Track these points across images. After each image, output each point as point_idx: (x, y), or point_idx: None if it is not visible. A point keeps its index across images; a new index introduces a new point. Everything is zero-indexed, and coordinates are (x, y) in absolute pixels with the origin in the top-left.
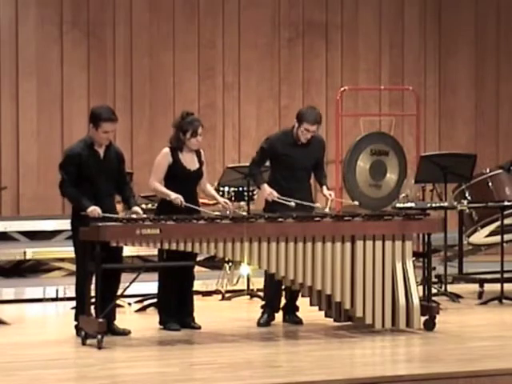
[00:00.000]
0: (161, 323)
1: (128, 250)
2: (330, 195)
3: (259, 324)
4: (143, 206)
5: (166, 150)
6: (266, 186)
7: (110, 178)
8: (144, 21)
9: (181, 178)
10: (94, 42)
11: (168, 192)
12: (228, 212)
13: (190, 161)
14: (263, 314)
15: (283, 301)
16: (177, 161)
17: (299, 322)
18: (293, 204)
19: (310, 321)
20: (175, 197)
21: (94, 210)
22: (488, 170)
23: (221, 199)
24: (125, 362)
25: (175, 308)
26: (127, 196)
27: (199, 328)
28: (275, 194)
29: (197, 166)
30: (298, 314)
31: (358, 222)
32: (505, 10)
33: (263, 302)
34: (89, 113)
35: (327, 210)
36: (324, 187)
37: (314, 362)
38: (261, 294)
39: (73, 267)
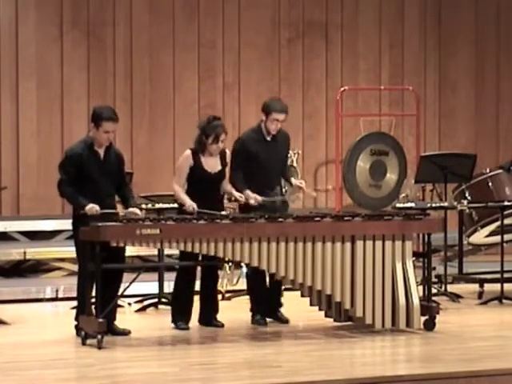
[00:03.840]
0: (173, 321)
1: (128, 250)
2: (301, 183)
3: (258, 323)
4: (143, 205)
5: (188, 152)
6: (248, 191)
7: (110, 179)
8: (144, 21)
9: (202, 181)
10: (94, 42)
11: (184, 199)
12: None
13: (211, 163)
14: (254, 314)
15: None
16: (198, 164)
17: (285, 321)
18: (279, 199)
19: (309, 321)
20: (189, 204)
21: (93, 208)
22: (488, 170)
23: (236, 194)
24: (125, 361)
25: (190, 308)
26: (126, 197)
27: (222, 326)
28: (259, 198)
29: (219, 168)
30: (282, 311)
31: (357, 222)
32: (505, 10)
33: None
34: (89, 113)
35: (312, 193)
36: (292, 179)
37: (313, 362)
38: None
39: (73, 267)
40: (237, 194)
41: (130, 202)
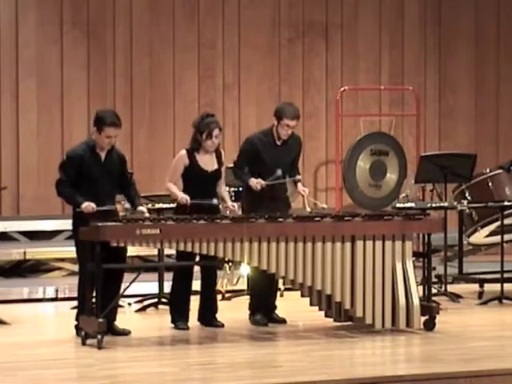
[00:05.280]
0: (172, 322)
1: (128, 250)
2: (304, 191)
3: (258, 323)
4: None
5: (183, 152)
6: (252, 179)
7: (111, 181)
8: (144, 21)
9: (198, 179)
10: (93, 42)
11: (176, 192)
12: (228, 213)
13: (207, 161)
14: (254, 314)
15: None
16: (193, 162)
17: (282, 320)
18: (279, 173)
19: (309, 321)
20: (181, 197)
21: (89, 206)
22: (488, 170)
23: (229, 202)
24: (125, 362)
25: (187, 307)
26: (132, 196)
27: (222, 326)
28: (262, 181)
29: (215, 166)
30: (277, 312)
31: (358, 222)
32: (505, 10)
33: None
34: (89, 113)
35: (307, 208)
36: (299, 184)
37: (313, 362)
38: None
39: (73, 267)
40: (229, 204)
41: (136, 201)
